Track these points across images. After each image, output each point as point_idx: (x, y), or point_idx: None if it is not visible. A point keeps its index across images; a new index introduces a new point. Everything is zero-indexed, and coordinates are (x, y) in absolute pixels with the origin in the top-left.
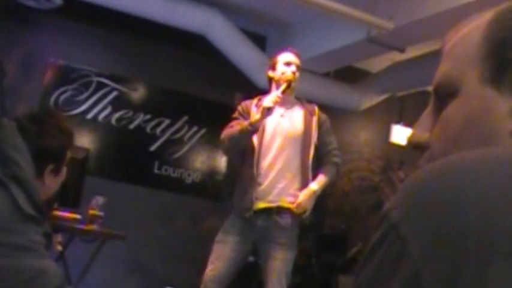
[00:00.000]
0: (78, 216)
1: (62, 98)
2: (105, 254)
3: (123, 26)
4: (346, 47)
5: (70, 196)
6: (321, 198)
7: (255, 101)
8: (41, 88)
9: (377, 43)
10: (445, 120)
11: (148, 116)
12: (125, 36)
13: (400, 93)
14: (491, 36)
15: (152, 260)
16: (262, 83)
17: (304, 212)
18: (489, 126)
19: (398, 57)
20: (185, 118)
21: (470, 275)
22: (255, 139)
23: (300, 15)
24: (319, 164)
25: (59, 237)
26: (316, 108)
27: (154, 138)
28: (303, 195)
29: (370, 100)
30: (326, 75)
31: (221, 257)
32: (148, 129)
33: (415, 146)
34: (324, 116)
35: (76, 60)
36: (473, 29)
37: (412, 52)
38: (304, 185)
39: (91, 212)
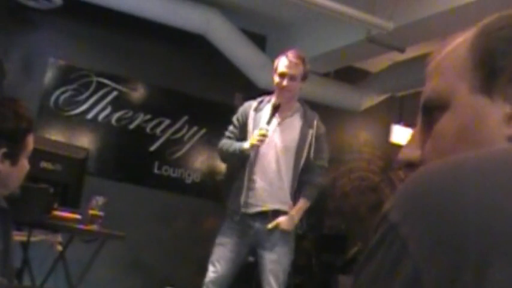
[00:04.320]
0: (78, 216)
1: (62, 98)
2: (105, 254)
3: (123, 26)
4: (346, 47)
5: (70, 196)
6: (321, 199)
7: (254, 104)
8: (41, 88)
9: (377, 43)
10: (439, 134)
11: (148, 116)
12: (125, 36)
13: (400, 93)
14: (478, 47)
15: (152, 260)
16: (262, 83)
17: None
18: (484, 134)
19: (398, 57)
20: (185, 118)
21: (471, 275)
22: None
23: (300, 15)
24: (301, 179)
25: (59, 237)
26: (316, 121)
27: (154, 138)
28: (283, 220)
29: (370, 100)
30: (326, 75)
31: (221, 258)
32: (148, 129)
33: (406, 164)
34: (321, 130)
35: (76, 60)
36: (459, 44)
37: (412, 52)
38: (293, 196)
39: (91, 212)
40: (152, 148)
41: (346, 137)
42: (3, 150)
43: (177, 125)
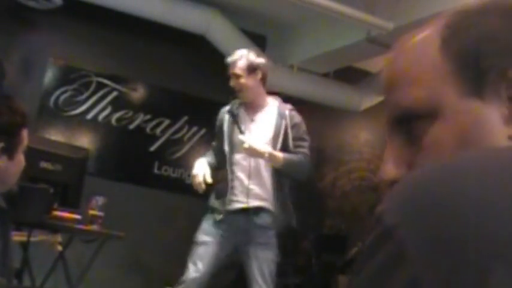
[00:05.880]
0: (78, 217)
1: (62, 98)
2: (105, 254)
3: (123, 26)
4: (346, 47)
5: (70, 196)
6: (321, 198)
7: (228, 107)
8: (41, 88)
9: (377, 43)
10: (434, 145)
11: (148, 116)
12: (125, 36)
13: None
14: (456, 48)
15: (152, 260)
16: None
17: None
18: (486, 138)
19: None
20: (185, 118)
21: (471, 280)
22: (226, 145)
23: (300, 16)
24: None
25: (58, 237)
26: (287, 112)
27: (154, 138)
28: (258, 145)
29: (370, 100)
30: (326, 75)
31: (204, 258)
32: (148, 129)
33: (392, 183)
34: (296, 119)
35: (76, 60)
36: (422, 46)
37: None
38: (274, 189)
39: (91, 212)
40: (152, 148)
41: (346, 137)
42: (1, 145)
43: (177, 125)
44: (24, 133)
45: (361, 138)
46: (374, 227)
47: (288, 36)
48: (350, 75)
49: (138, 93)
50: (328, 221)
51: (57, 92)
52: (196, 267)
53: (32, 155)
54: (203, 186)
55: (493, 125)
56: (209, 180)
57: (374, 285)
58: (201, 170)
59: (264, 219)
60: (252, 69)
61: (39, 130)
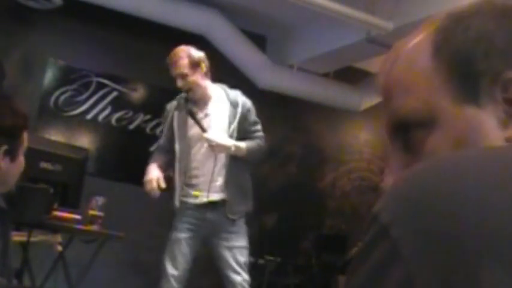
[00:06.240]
0: (77, 217)
1: (62, 98)
2: (105, 254)
3: (123, 26)
4: (346, 47)
5: (70, 196)
6: (321, 198)
7: (175, 103)
8: (41, 88)
9: (377, 43)
10: (433, 153)
11: (148, 116)
12: (125, 36)
13: None
14: (448, 54)
15: (152, 260)
16: (262, 83)
17: (220, 145)
18: (482, 144)
19: None
20: None
21: (465, 278)
22: (177, 145)
23: (300, 16)
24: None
25: (58, 238)
26: (239, 99)
27: (154, 138)
28: (220, 139)
29: (370, 100)
30: (326, 75)
31: (179, 255)
32: (148, 129)
33: None
34: (246, 106)
35: (76, 60)
36: (414, 54)
37: None
38: (234, 179)
39: (91, 212)
40: (152, 148)
41: (346, 137)
42: (5, 147)
43: None
44: (25, 135)
45: (361, 138)
46: (370, 225)
47: (288, 36)
48: (350, 75)
49: (138, 93)
50: (328, 221)
51: (57, 92)
52: (174, 265)
53: (32, 155)
54: (157, 191)
55: (490, 129)
56: (163, 185)
57: (370, 284)
58: (154, 175)
59: (229, 210)
60: (195, 64)
61: (39, 130)
